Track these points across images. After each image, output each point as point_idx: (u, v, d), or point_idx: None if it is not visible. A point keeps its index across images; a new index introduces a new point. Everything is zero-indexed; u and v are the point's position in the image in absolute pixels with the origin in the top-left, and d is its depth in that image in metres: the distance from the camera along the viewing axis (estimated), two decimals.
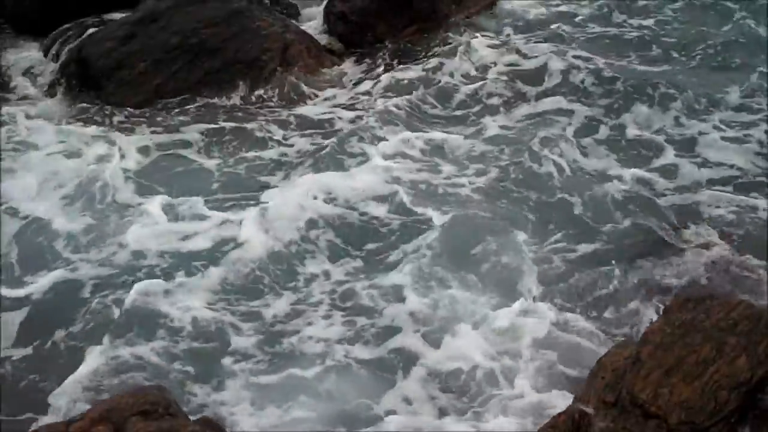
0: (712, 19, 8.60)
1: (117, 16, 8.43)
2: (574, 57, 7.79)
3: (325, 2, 8.85)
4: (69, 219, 5.83)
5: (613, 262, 5.18)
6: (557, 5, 9.04)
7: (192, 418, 3.73)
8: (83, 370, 4.47)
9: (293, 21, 8.53)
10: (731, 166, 6.26)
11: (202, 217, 5.81)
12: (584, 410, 3.71)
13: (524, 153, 6.32)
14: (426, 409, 4.29)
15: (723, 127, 6.76)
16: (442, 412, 4.28)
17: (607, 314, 4.82)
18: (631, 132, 6.73)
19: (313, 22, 8.79)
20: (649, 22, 8.61)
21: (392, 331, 4.76)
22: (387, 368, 4.55)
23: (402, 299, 4.96)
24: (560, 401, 4.10)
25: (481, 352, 4.52)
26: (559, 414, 3.77)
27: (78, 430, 3.29)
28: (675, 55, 8.02)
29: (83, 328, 4.85)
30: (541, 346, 4.54)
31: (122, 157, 6.57)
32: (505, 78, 7.60)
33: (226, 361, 4.59)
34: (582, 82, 7.45)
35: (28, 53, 8.46)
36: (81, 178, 6.24)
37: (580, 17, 8.78)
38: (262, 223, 5.63)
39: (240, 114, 7.27)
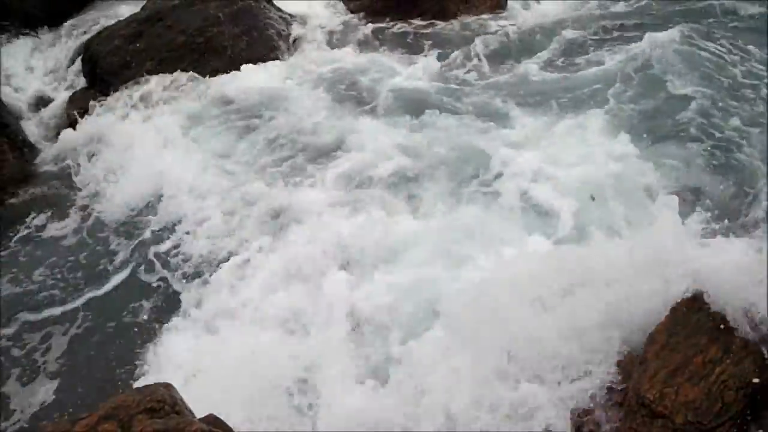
0: None
1: (120, 7, 8.44)
2: None
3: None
4: None
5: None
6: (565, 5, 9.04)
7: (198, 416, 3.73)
8: None
9: (299, 18, 8.53)
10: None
11: None
12: (590, 410, 3.70)
13: None
14: None
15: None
16: None
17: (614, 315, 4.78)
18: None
19: (320, 21, 8.79)
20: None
21: None
22: None
23: None
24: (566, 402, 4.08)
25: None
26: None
27: (84, 428, 3.28)
28: None
29: None
30: (545, 347, 4.51)
31: None
32: None
33: None
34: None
35: (32, 50, 8.50)
36: None
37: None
38: None
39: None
